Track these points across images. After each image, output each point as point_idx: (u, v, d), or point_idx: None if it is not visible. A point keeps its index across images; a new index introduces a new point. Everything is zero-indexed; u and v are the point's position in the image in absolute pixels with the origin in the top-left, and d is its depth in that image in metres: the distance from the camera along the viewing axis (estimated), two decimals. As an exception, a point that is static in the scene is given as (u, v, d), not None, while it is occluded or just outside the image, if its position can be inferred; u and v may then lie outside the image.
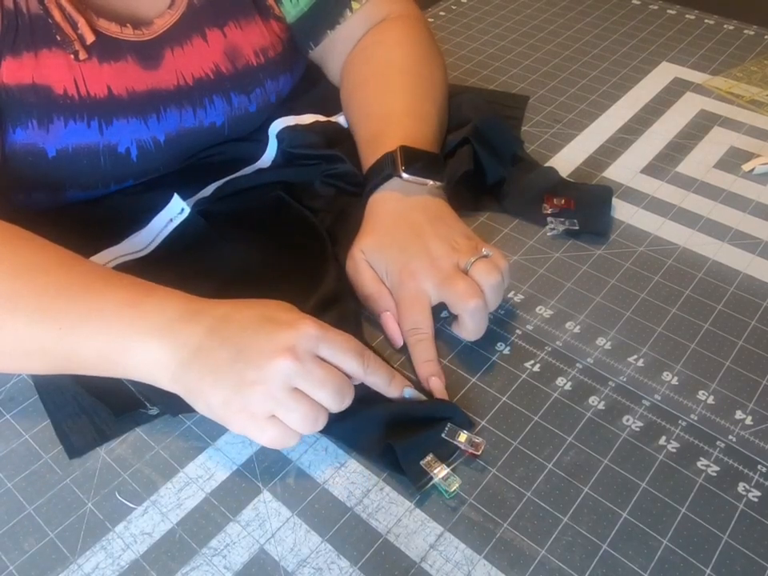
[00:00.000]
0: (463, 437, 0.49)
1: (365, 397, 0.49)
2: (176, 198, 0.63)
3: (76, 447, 0.50)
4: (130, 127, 0.62)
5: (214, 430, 0.51)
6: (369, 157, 0.64)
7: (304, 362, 0.45)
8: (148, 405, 0.51)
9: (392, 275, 0.57)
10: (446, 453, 0.48)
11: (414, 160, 0.60)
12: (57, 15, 0.57)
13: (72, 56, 0.58)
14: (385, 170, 0.60)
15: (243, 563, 0.44)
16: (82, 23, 0.57)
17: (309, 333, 0.45)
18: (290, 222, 0.64)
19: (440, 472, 0.47)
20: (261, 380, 0.44)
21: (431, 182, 0.60)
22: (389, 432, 0.49)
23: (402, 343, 0.56)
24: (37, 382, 0.53)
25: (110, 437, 0.50)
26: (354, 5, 0.72)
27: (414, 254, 0.56)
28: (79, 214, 0.64)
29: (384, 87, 0.69)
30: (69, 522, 0.46)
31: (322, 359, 0.46)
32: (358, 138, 0.68)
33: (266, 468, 0.49)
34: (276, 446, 0.47)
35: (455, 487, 0.47)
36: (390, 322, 0.56)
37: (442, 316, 0.58)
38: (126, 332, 0.46)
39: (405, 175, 0.59)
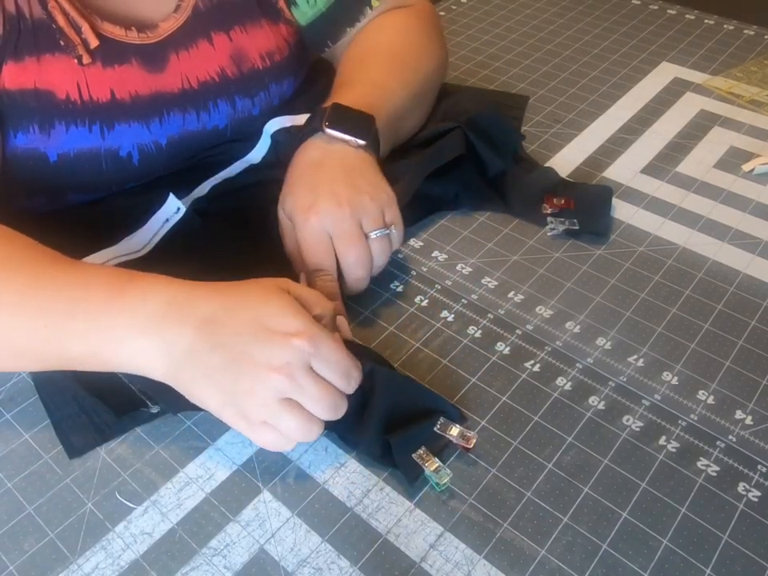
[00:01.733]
0: (455, 430, 0.49)
1: (361, 394, 0.49)
2: (171, 197, 0.63)
3: (76, 447, 0.50)
4: (132, 131, 0.62)
5: (214, 430, 0.51)
6: None
7: (298, 379, 0.44)
8: (149, 403, 0.51)
9: (297, 214, 0.57)
10: (438, 446, 0.49)
11: (342, 117, 0.60)
12: (60, 20, 0.56)
13: (76, 60, 0.58)
14: (315, 124, 0.61)
15: (243, 563, 0.44)
16: (85, 28, 0.57)
17: (302, 349, 0.44)
18: None
19: (431, 465, 0.47)
20: (254, 390, 0.44)
21: (352, 139, 0.60)
22: (384, 425, 0.49)
23: None
24: (37, 382, 0.53)
25: (110, 437, 0.50)
26: (374, 2, 0.72)
27: (320, 196, 0.57)
28: (76, 215, 0.64)
29: (359, 63, 0.70)
30: (69, 522, 0.46)
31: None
32: None
33: (266, 468, 0.49)
34: (273, 449, 0.47)
35: (446, 480, 0.47)
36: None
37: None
38: (111, 328, 0.45)
39: (328, 130, 0.59)
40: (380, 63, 0.69)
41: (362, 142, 0.60)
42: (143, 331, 0.45)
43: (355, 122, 0.61)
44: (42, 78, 0.57)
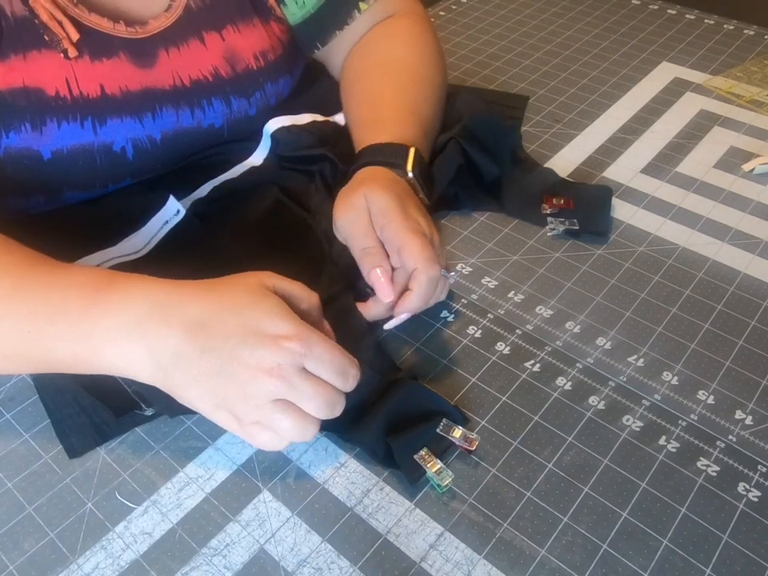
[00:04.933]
0: (458, 432, 0.49)
1: (361, 395, 0.49)
2: (172, 199, 0.63)
3: (76, 447, 0.50)
4: (125, 126, 0.62)
5: (213, 430, 0.51)
6: (365, 138, 0.64)
7: (291, 381, 0.44)
8: (143, 405, 0.51)
9: (394, 213, 0.55)
10: (440, 448, 0.49)
11: (422, 168, 0.61)
12: (43, 15, 0.56)
13: (62, 55, 0.58)
14: (393, 158, 0.60)
15: (243, 563, 0.44)
16: (66, 23, 0.57)
17: (294, 351, 0.44)
18: (286, 224, 0.64)
19: (433, 466, 0.47)
20: (246, 394, 0.44)
21: (423, 197, 0.61)
22: (386, 427, 0.49)
23: (393, 297, 0.54)
24: (37, 381, 0.53)
25: (110, 437, 0.50)
26: (362, 5, 0.72)
27: (410, 207, 0.56)
28: (75, 215, 0.64)
29: (386, 80, 0.69)
30: (69, 522, 0.46)
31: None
32: (354, 119, 0.69)
33: (266, 468, 0.49)
34: (269, 449, 0.46)
35: (448, 482, 0.47)
36: (380, 279, 0.54)
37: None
38: (93, 332, 0.45)
39: (410, 175, 0.60)
40: (409, 84, 0.69)
41: (427, 202, 0.62)
42: (126, 334, 0.45)
43: (427, 176, 0.62)
44: (30, 75, 0.57)
